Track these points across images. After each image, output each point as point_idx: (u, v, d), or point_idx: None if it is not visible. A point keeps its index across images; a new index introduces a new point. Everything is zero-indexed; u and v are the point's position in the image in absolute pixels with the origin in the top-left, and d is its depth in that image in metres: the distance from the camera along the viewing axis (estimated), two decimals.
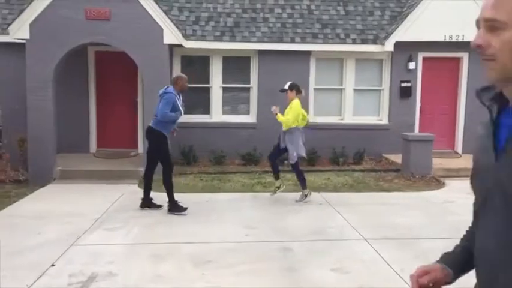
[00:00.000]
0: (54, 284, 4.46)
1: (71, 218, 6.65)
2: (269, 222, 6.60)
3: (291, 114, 7.61)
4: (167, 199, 7.11)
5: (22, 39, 9.14)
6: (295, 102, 7.70)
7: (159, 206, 7.23)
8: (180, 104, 7.12)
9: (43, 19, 9.04)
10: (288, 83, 7.93)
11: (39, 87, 9.09)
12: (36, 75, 9.04)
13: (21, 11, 9.20)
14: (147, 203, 7.25)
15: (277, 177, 8.04)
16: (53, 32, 9.06)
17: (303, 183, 7.84)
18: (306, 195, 7.78)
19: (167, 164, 7.12)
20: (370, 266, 4.98)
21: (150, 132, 7.09)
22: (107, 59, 11.06)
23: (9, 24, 9.21)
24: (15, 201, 7.63)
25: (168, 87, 7.18)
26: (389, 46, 10.99)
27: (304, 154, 8.03)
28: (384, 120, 11.73)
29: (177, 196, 8.16)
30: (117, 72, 11.16)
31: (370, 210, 7.29)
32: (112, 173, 9.46)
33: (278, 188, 8.04)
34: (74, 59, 10.25)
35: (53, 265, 4.92)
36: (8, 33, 9.16)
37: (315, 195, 8.17)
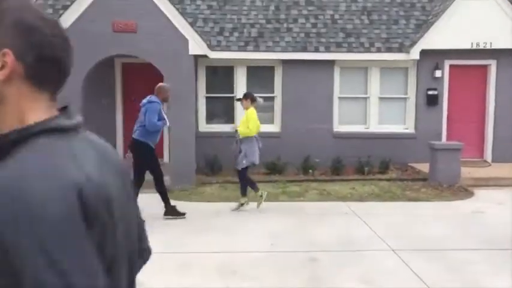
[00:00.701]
0: None
1: None
2: (294, 232, 6.58)
3: (252, 124, 7.62)
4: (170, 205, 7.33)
5: None
6: (251, 111, 7.72)
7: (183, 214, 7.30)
8: (164, 113, 7.12)
9: (72, 32, 9.22)
10: (244, 92, 8.09)
11: (69, 99, 9.27)
12: (65, 87, 9.23)
13: None
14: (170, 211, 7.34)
15: (257, 189, 7.87)
16: (82, 45, 9.23)
17: (244, 190, 7.82)
18: (242, 204, 7.77)
19: (158, 173, 7.16)
20: (400, 278, 4.91)
21: (137, 145, 7.03)
22: (135, 71, 11.24)
23: None
24: None
25: (151, 97, 7.15)
26: (414, 54, 10.89)
27: (257, 162, 7.88)
28: (410, 129, 11.60)
29: (202, 205, 8.26)
30: (143, 83, 11.30)
31: (397, 220, 7.20)
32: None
33: (261, 196, 7.85)
34: (102, 70, 10.46)
35: None
36: None
37: (340, 205, 8.12)
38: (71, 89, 9.26)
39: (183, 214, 7.33)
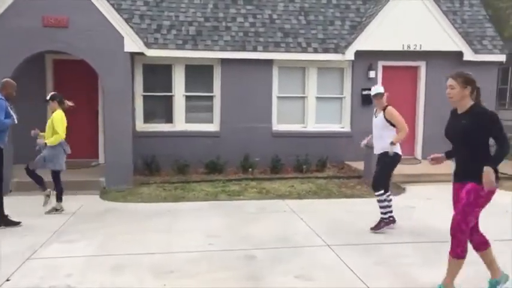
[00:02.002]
0: None
1: (28, 231, 6.44)
2: (233, 230, 6.56)
3: (61, 128, 7.30)
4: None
5: None
6: (58, 114, 7.37)
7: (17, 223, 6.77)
8: (11, 110, 6.70)
9: None
10: (51, 94, 7.72)
11: None
12: None
13: None
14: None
15: (44, 188, 7.61)
16: (9, 40, 8.79)
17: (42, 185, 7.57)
18: (57, 209, 7.55)
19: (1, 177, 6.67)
20: (334, 272, 5.00)
21: None
22: (66, 68, 10.80)
23: None
24: None
25: None
26: (349, 55, 11.19)
27: (64, 168, 7.66)
28: (346, 128, 11.90)
29: (138, 206, 8.07)
30: (76, 81, 10.91)
31: (334, 216, 7.35)
32: (72, 183, 9.14)
33: (48, 196, 7.59)
34: (31, 67, 9.98)
35: (8, 280, 4.72)
36: None
37: (279, 203, 8.19)
38: None
39: (18, 223, 6.78)
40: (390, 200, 6.57)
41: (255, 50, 11.11)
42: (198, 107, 11.46)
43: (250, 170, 10.61)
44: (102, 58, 9.14)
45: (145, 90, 11.15)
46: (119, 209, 7.91)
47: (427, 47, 11.36)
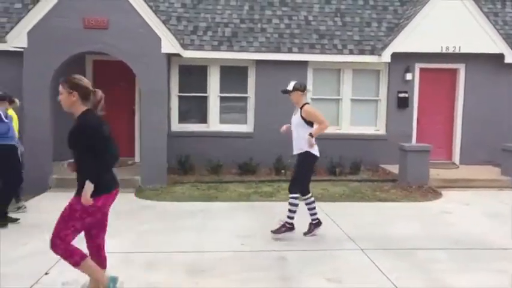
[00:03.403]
0: None
1: None
2: (265, 231, 6.56)
3: (15, 124, 7.29)
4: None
5: (20, 48, 9.15)
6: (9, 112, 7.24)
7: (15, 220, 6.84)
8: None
9: (41, 28, 9.06)
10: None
11: (36, 96, 9.08)
12: (33, 84, 9.04)
13: (20, 19, 9.23)
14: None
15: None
16: (51, 41, 9.08)
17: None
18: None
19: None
20: (366, 276, 4.95)
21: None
22: (105, 68, 11.07)
23: (7, 33, 9.22)
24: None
25: None
26: (386, 57, 11.04)
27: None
28: (381, 131, 11.74)
29: (172, 205, 8.18)
30: (115, 81, 11.16)
31: (367, 220, 7.27)
32: None
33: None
34: (72, 67, 10.24)
35: (46, 273, 4.88)
36: (5, 42, 9.16)
37: None
38: (40, 84, 9.11)
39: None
40: (313, 202, 6.41)
41: (289, 51, 11.10)
42: (232, 107, 11.54)
43: (282, 171, 10.60)
44: (140, 59, 9.32)
45: (180, 90, 11.30)
46: (153, 207, 8.04)
47: (467, 48, 11.08)
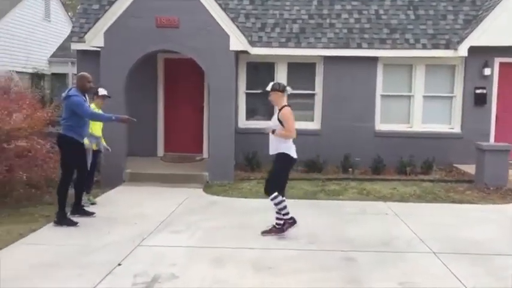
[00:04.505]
0: (120, 283, 4.59)
1: (138, 220, 6.84)
2: (332, 230, 6.46)
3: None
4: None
5: (97, 47, 9.58)
6: None
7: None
8: (86, 105, 6.69)
9: (117, 27, 9.43)
10: None
11: (113, 93, 9.43)
12: (109, 82, 9.38)
13: (97, 20, 9.66)
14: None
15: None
16: (126, 40, 9.42)
17: None
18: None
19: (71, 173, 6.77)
20: (440, 281, 4.73)
21: (62, 140, 6.63)
22: (176, 66, 11.35)
23: (85, 33, 9.68)
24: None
25: (70, 89, 6.70)
26: (462, 51, 10.50)
27: None
28: (456, 129, 11.20)
29: (239, 201, 8.24)
30: (185, 79, 11.43)
31: (440, 222, 6.94)
32: (178, 176, 9.67)
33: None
34: (145, 65, 10.60)
35: (119, 264, 5.07)
36: (84, 41, 9.62)
37: (380, 205, 7.93)
38: (115, 82, 9.48)
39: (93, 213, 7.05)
40: (283, 201, 6.16)
41: (359, 47, 10.83)
42: (299, 104, 11.40)
43: (350, 170, 10.39)
44: (209, 56, 9.46)
45: (248, 87, 11.36)
46: (221, 202, 8.14)
47: None
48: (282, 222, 6.17)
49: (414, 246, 5.80)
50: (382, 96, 11.21)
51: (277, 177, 6.17)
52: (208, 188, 9.17)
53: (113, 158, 9.45)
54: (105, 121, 7.52)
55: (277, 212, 6.18)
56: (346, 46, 10.85)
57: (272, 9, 11.52)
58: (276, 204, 6.09)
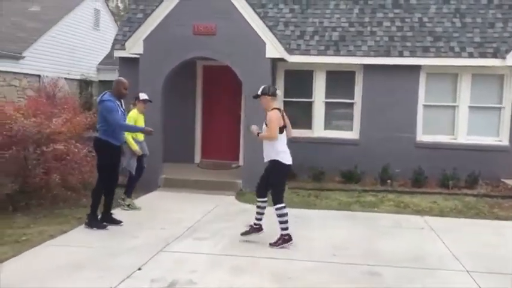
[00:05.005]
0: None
1: (166, 225, 6.86)
2: (361, 243, 6.23)
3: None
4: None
5: (137, 54, 9.77)
6: None
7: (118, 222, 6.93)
8: (120, 111, 6.68)
9: (155, 35, 9.60)
10: None
11: (151, 99, 9.59)
12: (147, 88, 9.52)
13: (137, 28, 9.86)
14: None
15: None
16: (164, 48, 9.56)
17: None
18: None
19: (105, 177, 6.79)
20: None
21: (98, 144, 6.70)
22: (215, 73, 11.42)
23: (125, 41, 9.91)
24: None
25: (105, 94, 6.74)
26: (511, 60, 9.99)
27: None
28: (504, 141, 10.63)
29: (271, 209, 8.10)
30: (223, 86, 11.47)
31: (478, 239, 6.56)
32: (212, 183, 9.67)
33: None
34: (185, 72, 10.72)
35: (139, 269, 5.07)
36: (124, 49, 9.84)
37: (416, 219, 7.60)
38: (153, 89, 9.61)
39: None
40: (264, 208, 6.12)
41: (400, 55, 10.51)
42: (337, 114, 11.22)
43: (388, 181, 10.04)
44: (245, 64, 9.44)
45: (285, 95, 11.23)
46: (251, 211, 7.96)
47: None
48: (287, 232, 6.01)
49: (446, 263, 5.49)
50: (425, 106, 10.81)
51: (277, 187, 6.05)
52: (240, 196, 9.11)
53: (149, 164, 9.56)
54: (131, 131, 7.53)
55: (280, 222, 6.03)
56: (387, 54, 10.56)
57: (312, 17, 11.40)
58: (279, 216, 5.97)
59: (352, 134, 11.04)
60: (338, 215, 7.82)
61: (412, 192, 9.60)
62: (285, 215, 5.94)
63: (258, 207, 6.20)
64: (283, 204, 5.93)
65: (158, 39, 9.58)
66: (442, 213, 8.07)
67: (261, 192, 6.15)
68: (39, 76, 14.07)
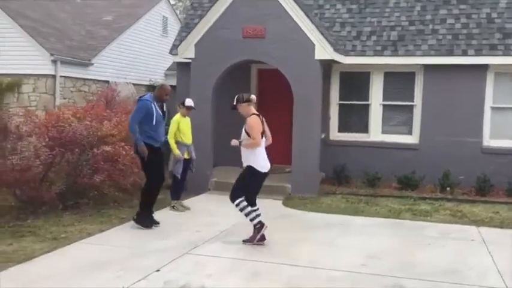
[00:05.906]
0: None
1: (203, 227, 6.88)
2: (397, 253, 5.84)
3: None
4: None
5: (189, 59, 9.95)
6: None
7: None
8: (156, 112, 6.72)
9: (206, 39, 9.71)
10: None
11: (200, 104, 9.71)
12: (198, 93, 9.68)
13: (189, 32, 10.05)
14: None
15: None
16: (214, 51, 9.65)
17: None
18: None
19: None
20: None
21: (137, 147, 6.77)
22: (268, 76, 11.32)
23: (177, 46, 10.13)
24: (164, 207, 8.16)
25: (146, 94, 7.05)
26: None
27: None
28: None
29: (312, 215, 7.87)
30: (276, 89, 11.32)
31: None
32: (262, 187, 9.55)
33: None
34: (239, 76, 10.68)
35: (157, 270, 5.08)
36: (177, 54, 10.06)
37: (470, 230, 7.00)
38: (203, 93, 9.71)
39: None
40: (256, 210, 6.06)
41: (464, 54, 9.79)
42: (396, 117, 10.67)
43: (448, 189, 9.36)
44: (294, 66, 9.28)
45: (341, 98, 10.89)
46: (293, 216, 7.87)
47: None
48: (256, 221, 6.00)
49: (486, 279, 4.97)
50: (493, 108, 9.98)
51: (244, 186, 6.05)
52: (288, 200, 8.94)
53: (199, 167, 9.67)
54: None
55: (246, 215, 6.02)
56: (450, 53, 9.88)
57: (370, 16, 10.97)
58: (241, 210, 5.97)
59: (412, 138, 10.43)
60: (384, 223, 7.41)
61: (473, 200, 8.90)
62: (246, 207, 5.96)
63: (245, 207, 6.10)
64: (240, 199, 5.96)
65: (208, 44, 9.69)
66: (501, 225, 7.37)
67: (251, 202, 6.11)
68: (107, 82, 14.79)
